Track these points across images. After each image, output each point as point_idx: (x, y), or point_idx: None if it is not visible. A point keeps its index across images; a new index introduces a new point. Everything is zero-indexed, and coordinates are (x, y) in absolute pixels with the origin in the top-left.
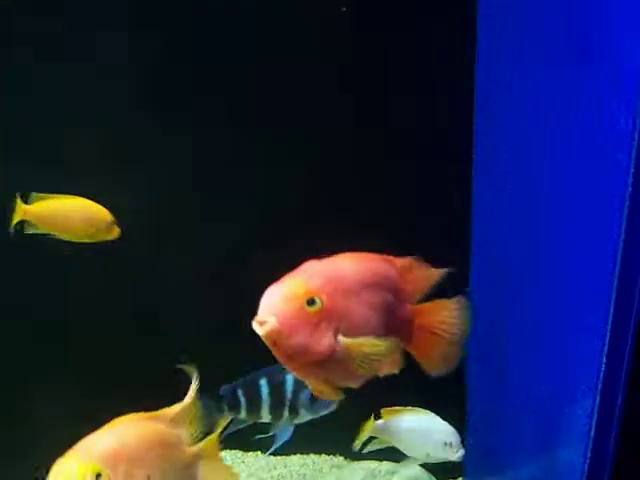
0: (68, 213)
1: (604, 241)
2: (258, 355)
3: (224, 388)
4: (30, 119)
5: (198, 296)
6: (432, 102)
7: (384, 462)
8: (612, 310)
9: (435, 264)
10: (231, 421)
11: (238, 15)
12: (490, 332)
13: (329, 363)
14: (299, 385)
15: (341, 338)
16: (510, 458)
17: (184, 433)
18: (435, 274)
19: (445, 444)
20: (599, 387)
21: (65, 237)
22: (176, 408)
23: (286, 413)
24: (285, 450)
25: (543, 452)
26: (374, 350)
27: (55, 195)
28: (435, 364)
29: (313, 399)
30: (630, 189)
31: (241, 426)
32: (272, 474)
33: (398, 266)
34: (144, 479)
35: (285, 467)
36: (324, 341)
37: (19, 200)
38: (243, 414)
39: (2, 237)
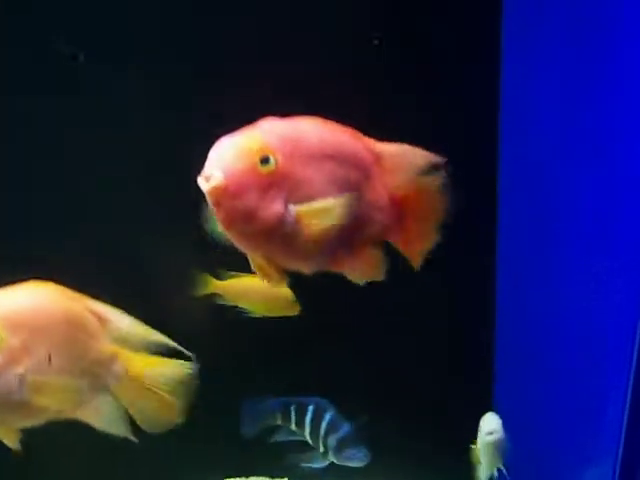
0: (254, 291)
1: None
2: None
3: (277, 401)
4: None
5: None
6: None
7: None
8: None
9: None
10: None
11: None
12: (518, 359)
13: (276, 237)
14: (332, 427)
15: (292, 208)
16: (541, 476)
17: (108, 332)
18: (426, 158)
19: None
20: (629, 396)
21: (250, 309)
22: (112, 309)
23: (320, 447)
24: (312, 476)
25: (574, 469)
26: (327, 218)
27: (244, 275)
28: (415, 256)
29: (340, 447)
30: None
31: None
32: None
33: (381, 150)
34: (44, 357)
35: None
36: (273, 208)
37: (210, 277)
38: (293, 426)
39: None
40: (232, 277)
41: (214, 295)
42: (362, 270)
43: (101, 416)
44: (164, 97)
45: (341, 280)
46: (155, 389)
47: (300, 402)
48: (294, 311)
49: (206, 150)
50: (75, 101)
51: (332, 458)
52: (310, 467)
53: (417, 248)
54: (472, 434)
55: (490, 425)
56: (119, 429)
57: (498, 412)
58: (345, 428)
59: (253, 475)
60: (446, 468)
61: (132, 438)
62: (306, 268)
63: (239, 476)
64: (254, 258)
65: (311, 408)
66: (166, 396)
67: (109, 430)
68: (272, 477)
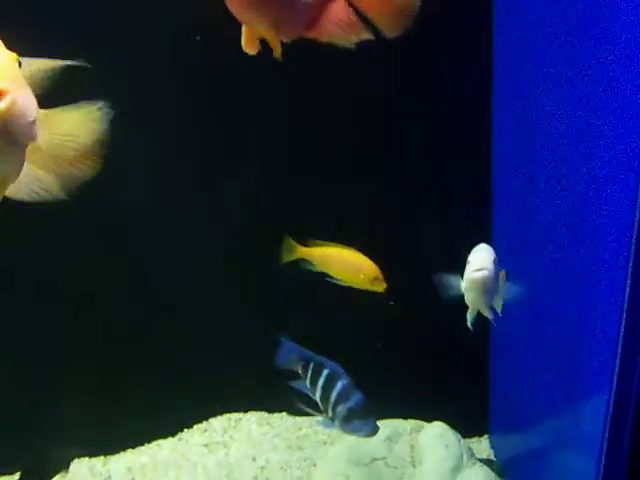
0: (339, 261)
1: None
2: None
3: (303, 353)
4: None
5: None
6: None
7: (409, 420)
8: (632, 256)
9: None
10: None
11: None
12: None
13: None
14: (343, 396)
15: None
16: (534, 414)
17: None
18: None
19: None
20: (620, 337)
21: (335, 277)
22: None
23: (329, 413)
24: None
25: (566, 407)
26: None
27: (329, 243)
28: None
29: (348, 417)
30: None
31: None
32: (297, 434)
33: None
34: None
35: (310, 427)
36: None
37: (295, 242)
38: (308, 384)
39: None
40: (318, 245)
41: (301, 261)
42: (341, 28)
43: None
44: None
45: None
46: (70, 142)
47: (318, 363)
48: (381, 288)
49: None
50: None
51: (338, 426)
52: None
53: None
54: None
55: (477, 260)
56: (43, 193)
57: None
58: (355, 399)
59: (251, 410)
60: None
61: (62, 197)
62: (296, 33)
63: (237, 411)
64: (253, 30)
65: (325, 373)
66: (82, 147)
67: (32, 197)
68: (270, 412)
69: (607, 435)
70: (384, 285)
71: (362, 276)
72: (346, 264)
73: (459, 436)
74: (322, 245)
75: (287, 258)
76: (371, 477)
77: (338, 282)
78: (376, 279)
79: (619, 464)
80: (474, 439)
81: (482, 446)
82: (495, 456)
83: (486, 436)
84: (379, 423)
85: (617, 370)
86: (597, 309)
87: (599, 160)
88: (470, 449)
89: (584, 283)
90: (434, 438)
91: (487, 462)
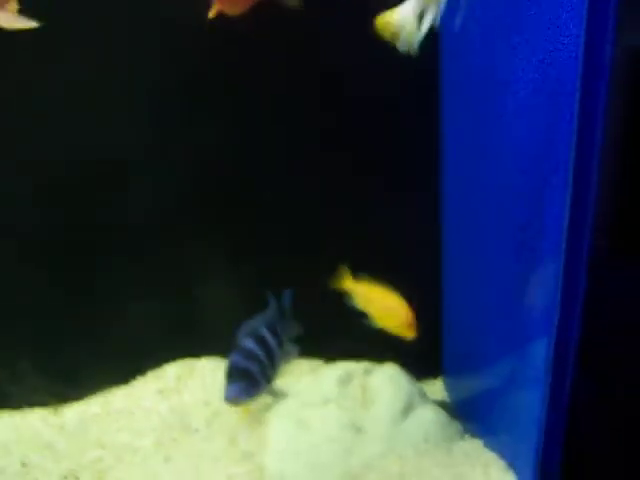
0: (381, 304)
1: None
2: None
3: None
4: None
5: None
6: None
7: (361, 363)
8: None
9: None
10: None
11: None
12: (462, 243)
13: None
14: None
15: None
16: (484, 356)
17: None
18: None
19: None
20: (560, 283)
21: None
22: None
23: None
24: None
25: (513, 349)
26: None
27: (376, 283)
28: None
29: None
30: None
31: None
32: None
33: None
34: None
35: None
36: None
37: (350, 273)
38: None
39: None
40: (365, 281)
41: (344, 292)
42: None
43: None
44: None
45: None
46: None
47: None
48: (411, 334)
49: None
50: None
51: None
52: None
53: None
54: None
55: None
56: None
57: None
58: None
59: (206, 355)
60: None
61: None
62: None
63: (191, 356)
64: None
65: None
66: None
67: None
68: (225, 357)
69: (550, 373)
70: (414, 334)
71: (398, 322)
72: (387, 308)
73: (410, 377)
74: (369, 283)
75: (335, 284)
76: (323, 419)
77: (373, 324)
78: (410, 327)
79: (561, 399)
80: (428, 381)
81: (436, 388)
82: (449, 398)
83: (440, 378)
84: (332, 365)
85: (558, 314)
86: (539, 259)
87: None
88: (422, 390)
89: (529, 235)
90: (385, 379)
91: (441, 404)
